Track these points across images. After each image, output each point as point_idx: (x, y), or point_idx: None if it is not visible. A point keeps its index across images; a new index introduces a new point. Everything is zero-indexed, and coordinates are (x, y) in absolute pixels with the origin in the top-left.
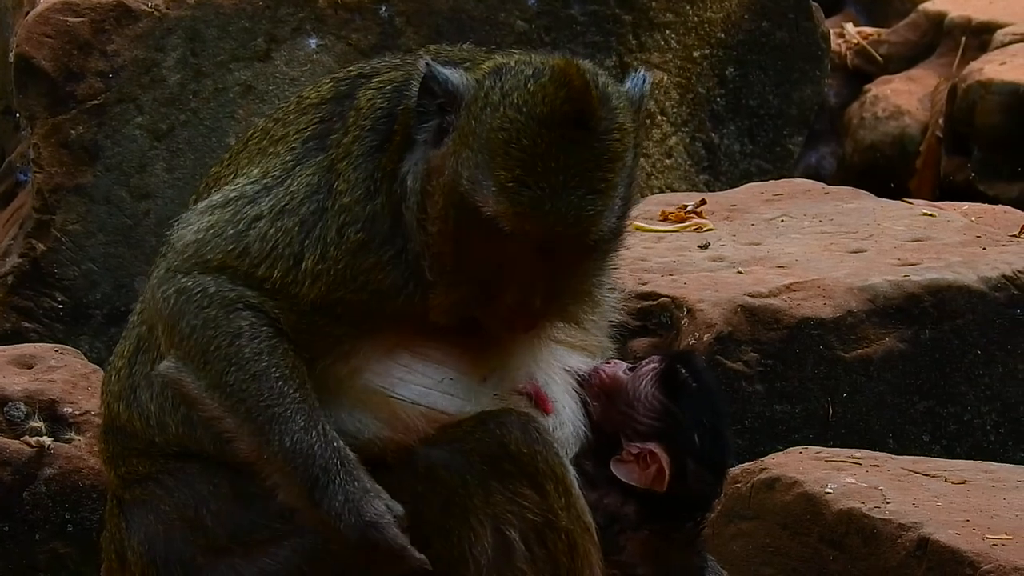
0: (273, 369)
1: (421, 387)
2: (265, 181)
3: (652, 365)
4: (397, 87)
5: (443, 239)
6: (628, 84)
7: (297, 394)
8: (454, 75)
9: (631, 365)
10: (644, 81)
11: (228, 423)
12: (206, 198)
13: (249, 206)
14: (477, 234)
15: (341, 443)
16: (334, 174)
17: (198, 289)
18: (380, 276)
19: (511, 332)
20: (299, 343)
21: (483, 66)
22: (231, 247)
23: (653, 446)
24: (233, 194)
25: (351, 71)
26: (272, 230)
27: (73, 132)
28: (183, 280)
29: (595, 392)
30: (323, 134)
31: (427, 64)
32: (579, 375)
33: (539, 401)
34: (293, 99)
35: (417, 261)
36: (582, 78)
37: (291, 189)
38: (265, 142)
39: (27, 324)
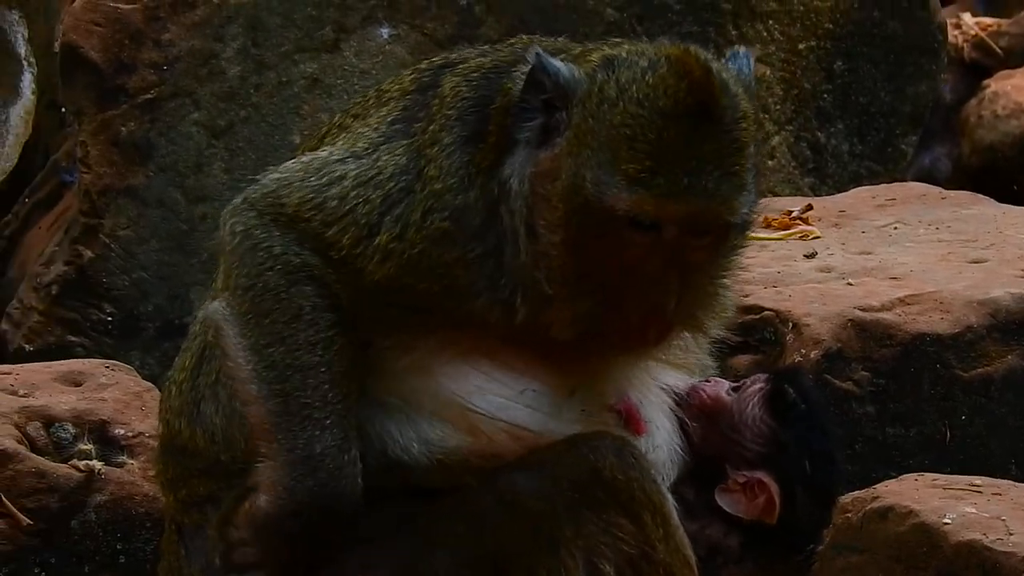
0: (324, 368)
1: (501, 398)
2: (354, 150)
3: (758, 385)
4: (485, 74)
5: (565, 247)
6: (733, 67)
7: (340, 405)
8: (565, 68)
9: (734, 384)
10: (748, 60)
11: (252, 389)
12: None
13: (337, 164)
14: (606, 237)
15: (359, 469)
16: (423, 159)
17: (265, 243)
18: (459, 272)
19: (641, 344)
20: (357, 322)
21: (590, 58)
22: (310, 196)
23: (762, 475)
24: (323, 153)
25: (435, 60)
26: (354, 194)
27: (124, 129)
28: (254, 221)
29: (695, 413)
30: (408, 119)
31: (537, 54)
32: (677, 394)
33: (631, 420)
34: (371, 93)
35: (520, 271)
36: (702, 67)
37: (379, 163)
38: (350, 127)
39: (73, 338)
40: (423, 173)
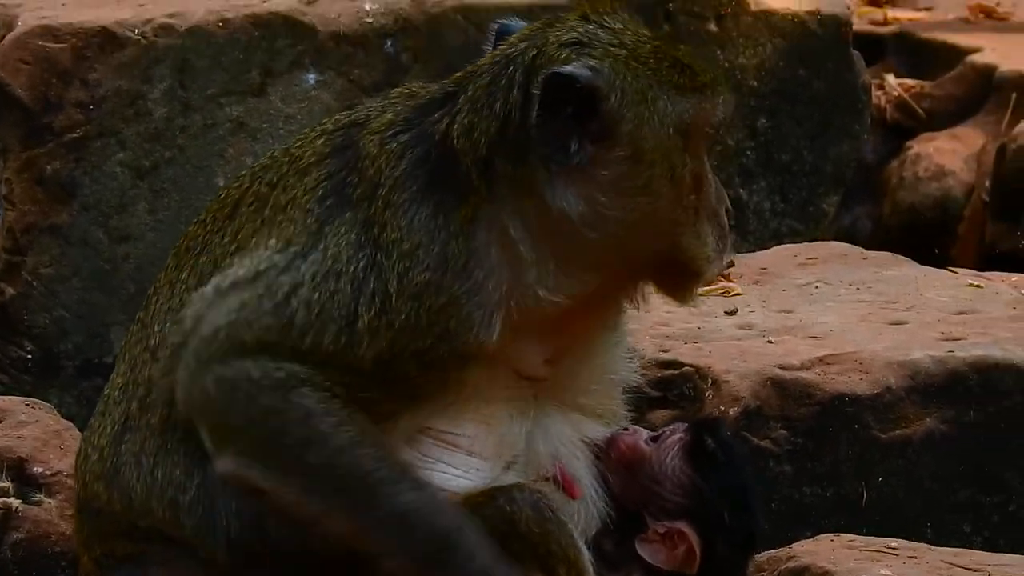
0: (361, 437)
1: (444, 474)
2: (293, 249)
3: (678, 435)
4: (404, 128)
5: (676, 199)
6: None
7: (394, 457)
8: (582, 67)
9: (653, 434)
10: None
11: (312, 506)
12: (211, 274)
13: (284, 275)
14: (696, 161)
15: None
16: (376, 226)
17: (241, 377)
18: (452, 312)
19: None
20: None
21: (559, 56)
22: (271, 322)
23: (682, 525)
24: (262, 266)
25: (339, 120)
26: (318, 295)
27: (49, 167)
28: (220, 370)
29: (613, 464)
30: (338, 190)
31: (554, 72)
32: (596, 445)
33: (566, 486)
34: (280, 157)
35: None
36: (606, 3)
37: (331, 252)
38: (269, 210)
39: None
40: (381, 240)
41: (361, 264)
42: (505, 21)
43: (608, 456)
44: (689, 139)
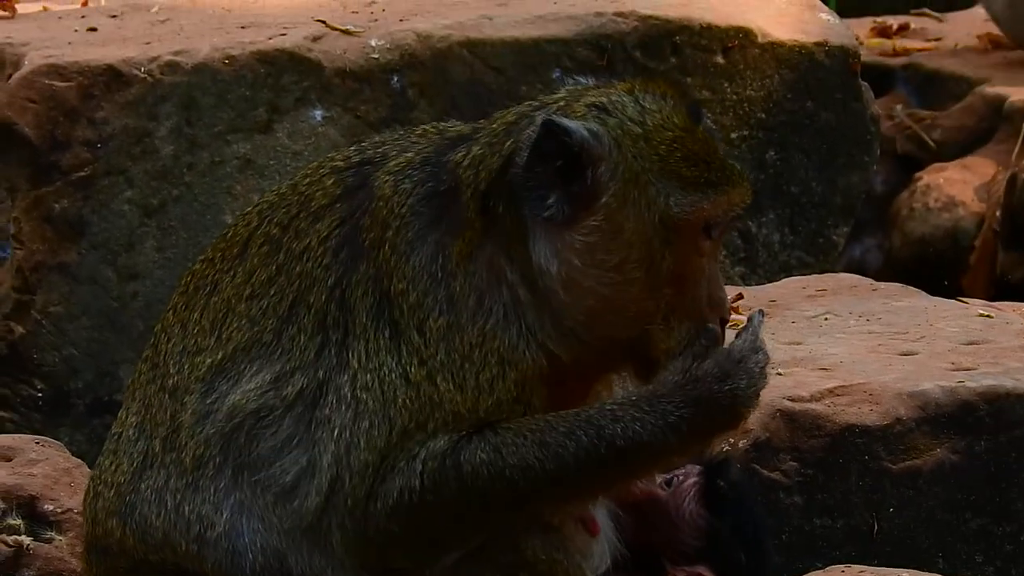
0: (540, 430)
1: None
2: (332, 350)
3: (692, 480)
4: (417, 168)
5: (648, 287)
6: None
7: (570, 416)
8: (583, 127)
9: (666, 478)
10: None
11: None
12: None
13: (352, 386)
14: (683, 254)
15: None
16: (386, 278)
17: (415, 479)
18: (495, 342)
19: (722, 343)
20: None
21: (577, 112)
22: (386, 428)
23: (702, 570)
24: (339, 400)
25: (351, 159)
26: (403, 396)
27: (57, 206)
28: (381, 488)
29: (628, 508)
30: (352, 236)
31: (549, 119)
32: None
33: (588, 523)
34: (290, 197)
35: (558, 332)
36: (665, 83)
37: (370, 345)
38: (283, 256)
39: (3, 413)
40: (392, 295)
41: (388, 336)
42: (571, 78)
43: (622, 500)
44: (678, 234)
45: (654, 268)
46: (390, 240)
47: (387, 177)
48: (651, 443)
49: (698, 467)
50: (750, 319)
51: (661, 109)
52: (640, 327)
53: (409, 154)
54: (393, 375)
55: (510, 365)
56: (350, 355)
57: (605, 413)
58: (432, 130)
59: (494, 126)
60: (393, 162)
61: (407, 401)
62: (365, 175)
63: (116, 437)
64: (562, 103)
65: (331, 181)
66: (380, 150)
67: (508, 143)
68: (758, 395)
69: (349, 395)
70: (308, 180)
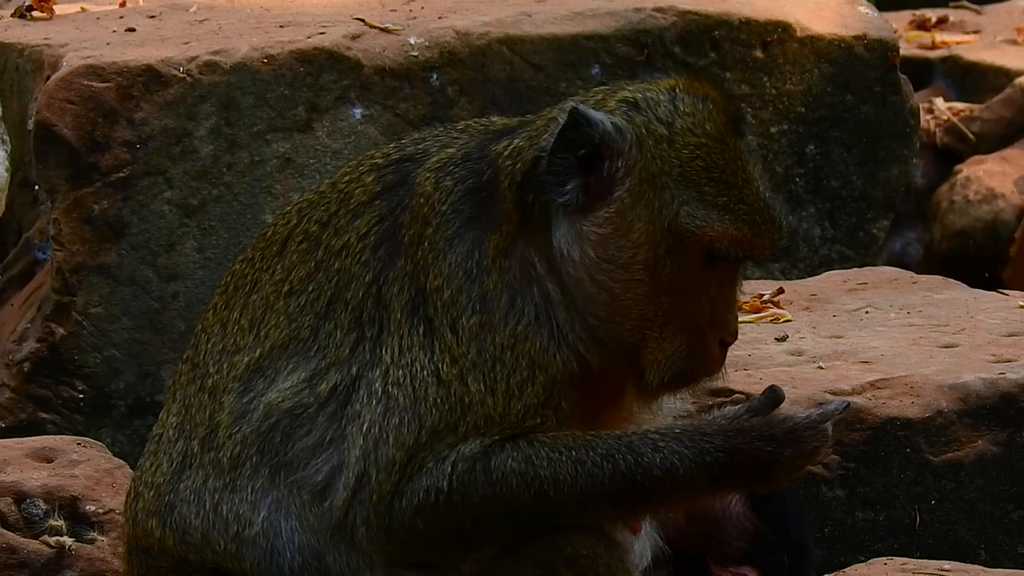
0: (577, 447)
1: None
2: (368, 346)
3: None
4: (459, 164)
5: (650, 294)
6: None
7: (611, 439)
8: (607, 117)
9: None
10: None
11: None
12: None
13: (384, 381)
14: (690, 271)
15: None
16: (422, 275)
17: (443, 480)
18: (526, 344)
19: (718, 366)
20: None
21: (607, 105)
22: (416, 425)
23: (748, 571)
24: (365, 391)
25: (391, 156)
26: (434, 394)
27: (96, 207)
28: (407, 486)
29: None
30: (391, 233)
31: (576, 108)
32: None
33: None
34: (329, 195)
35: (587, 333)
36: (712, 87)
37: (403, 341)
38: (322, 253)
39: (44, 415)
40: (427, 292)
41: (422, 335)
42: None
43: None
44: (683, 246)
45: (656, 274)
46: (429, 237)
47: (428, 174)
48: (685, 478)
49: None
50: (832, 403)
51: (694, 112)
52: (640, 332)
53: (451, 150)
54: (425, 372)
55: (540, 369)
56: (383, 351)
57: (647, 441)
58: (475, 125)
59: (537, 121)
60: (435, 158)
61: (438, 400)
62: (405, 172)
63: (157, 438)
64: (600, 96)
65: (371, 178)
66: (420, 146)
67: (545, 136)
68: (801, 468)
69: (380, 390)
70: (348, 178)
